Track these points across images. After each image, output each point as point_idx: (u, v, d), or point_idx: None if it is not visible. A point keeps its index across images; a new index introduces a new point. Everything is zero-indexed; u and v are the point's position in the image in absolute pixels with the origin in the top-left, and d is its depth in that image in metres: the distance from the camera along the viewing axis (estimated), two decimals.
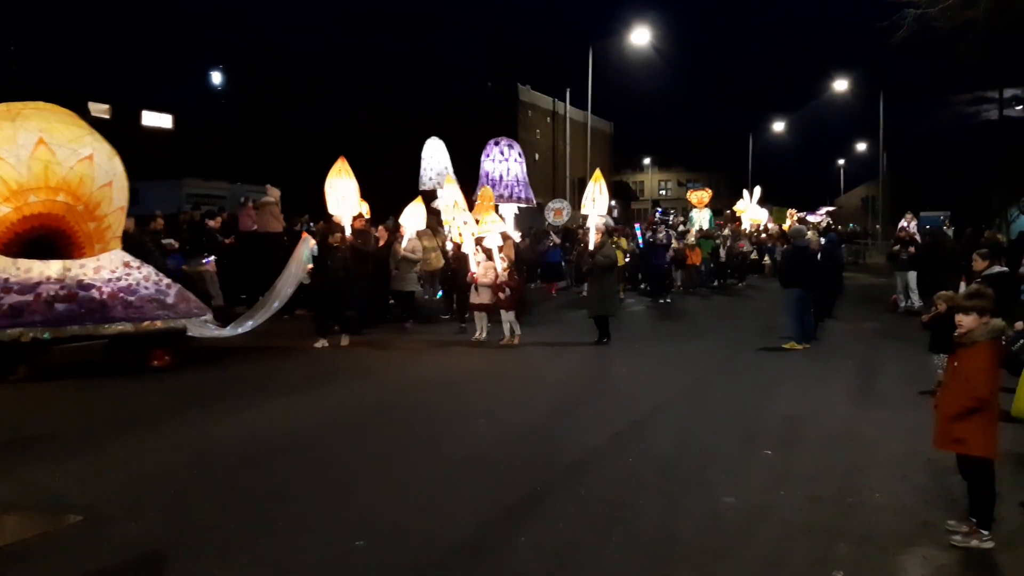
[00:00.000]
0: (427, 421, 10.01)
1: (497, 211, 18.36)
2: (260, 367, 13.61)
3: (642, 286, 27.28)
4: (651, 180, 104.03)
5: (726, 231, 33.03)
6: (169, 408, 10.56)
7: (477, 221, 17.15)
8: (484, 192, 18.38)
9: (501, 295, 16.07)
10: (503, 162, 21.39)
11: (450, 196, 17.66)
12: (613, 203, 70.72)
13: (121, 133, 16.87)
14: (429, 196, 20.52)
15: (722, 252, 30.80)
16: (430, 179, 21.50)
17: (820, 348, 15.81)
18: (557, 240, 28.77)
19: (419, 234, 19.16)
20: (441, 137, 21.67)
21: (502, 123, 46.66)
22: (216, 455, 8.53)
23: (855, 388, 12.24)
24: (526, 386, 12.24)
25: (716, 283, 30.08)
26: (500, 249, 16.40)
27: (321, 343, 15.41)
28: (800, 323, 15.86)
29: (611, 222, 28.16)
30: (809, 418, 10.30)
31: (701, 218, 33.62)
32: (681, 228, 31.64)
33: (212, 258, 18.32)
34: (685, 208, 39.72)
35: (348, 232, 16.80)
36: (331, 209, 16.90)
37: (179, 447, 8.81)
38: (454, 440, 9.16)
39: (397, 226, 19.23)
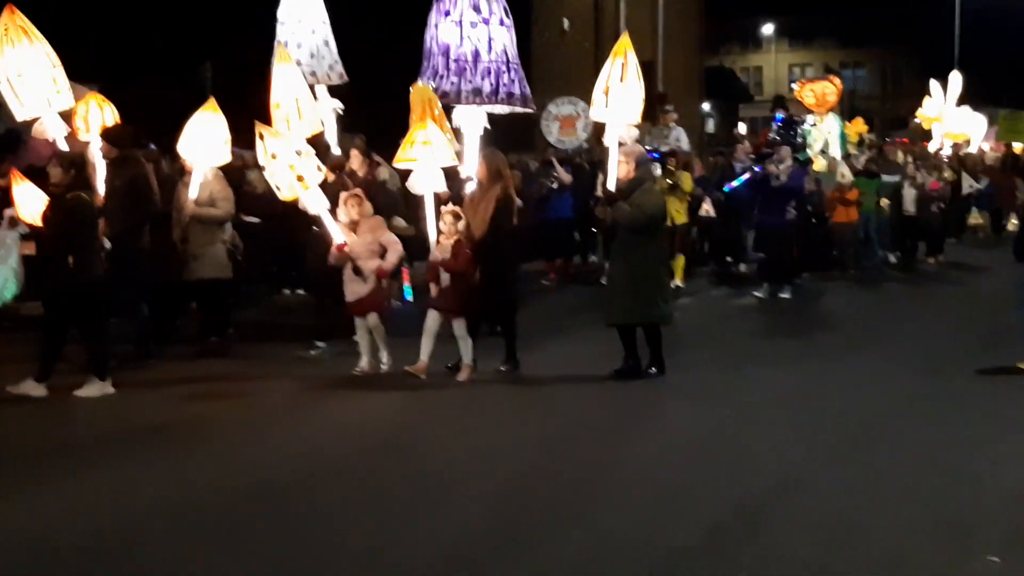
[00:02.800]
0: (366, 511, 5.85)
1: (449, 122, 10.30)
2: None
3: (738, 266, 16.43)
4: (774, 64, 66.14)
5: (908, 162, 18.31)
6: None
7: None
8: (418, 92, 10.01)
9: (434, 285, 8.96)
10: (477, 26, 10.77)
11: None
12: (706, 107, 38.43)
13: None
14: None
15: (909, 202, 17.21)
16: (297, 63, 10.53)
17: None
18: (566, 178, 15.46)
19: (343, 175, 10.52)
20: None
21: None
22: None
23: None
24: (538, 446, 7.30)
25: (892, 258, 17.50)
26: (455, 206, 9.23)
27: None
28: None
29: (675, 140, 16.33)
30: None
31: (826, 133, 17.61)
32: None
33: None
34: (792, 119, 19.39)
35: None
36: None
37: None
38: (412, 542, 5.31)
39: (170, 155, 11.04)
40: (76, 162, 8.66)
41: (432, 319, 8.78)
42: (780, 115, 17.41)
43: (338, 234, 8.92)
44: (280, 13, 10.87)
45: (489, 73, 10.56)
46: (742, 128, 35.35)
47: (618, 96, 9.06)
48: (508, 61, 10.68)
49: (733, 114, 49.89)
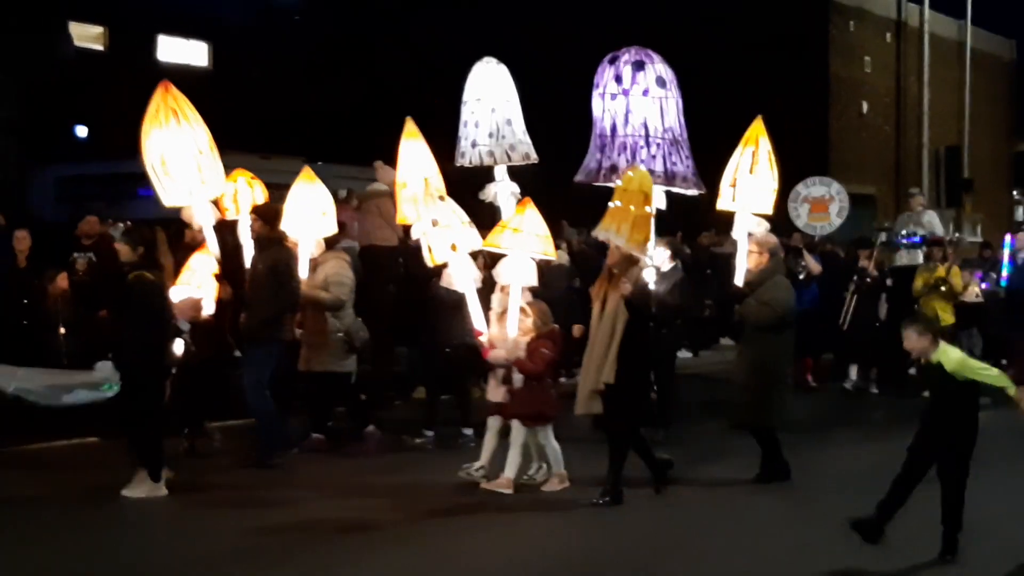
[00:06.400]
0: None
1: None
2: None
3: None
4: None
5: None
6: None
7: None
8: (640, 177, 8.59)
9: (506, 388, 8.43)
10: (617, 98, 9.96)
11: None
12: (1016, 194, 35.16)
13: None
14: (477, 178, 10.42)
15: None
16: (474, 144, 10.36)
17: None
18: (815, 268, 13.95)
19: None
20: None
21: (801, 44, 26.19)
22: None
23: None
24: None
25: None
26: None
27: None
28: None
29: (927, 224, 14.76)
30: None
31: None
32: None
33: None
34: None
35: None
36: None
37: None
38: None
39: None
40: (146, 240, 8.31)
41: (514, 431, 8.18)
42: None
43: (479, 319, 8.59)
44: (465, 93, 10.23)
45: (625, 148, 9.75)
46: None
47: (746, 187, 9.13)
48: (647, 135, 9.69)
49: None
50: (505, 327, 8.33)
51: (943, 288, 12.65)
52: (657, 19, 24.19)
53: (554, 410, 8.29)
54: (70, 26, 25.40)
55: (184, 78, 21.22)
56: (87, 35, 26.12)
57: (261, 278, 8.96)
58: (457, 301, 9.36)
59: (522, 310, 8.30)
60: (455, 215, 8.84)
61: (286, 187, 10.64)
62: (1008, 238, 14.95)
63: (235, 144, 14.33)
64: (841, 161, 24.96)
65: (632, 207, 8.03)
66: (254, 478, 8.63)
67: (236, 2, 26.92)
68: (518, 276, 8.41)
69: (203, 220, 9.25)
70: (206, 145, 9.08)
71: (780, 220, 15.00)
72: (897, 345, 12.41)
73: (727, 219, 9.48)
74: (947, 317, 12.56)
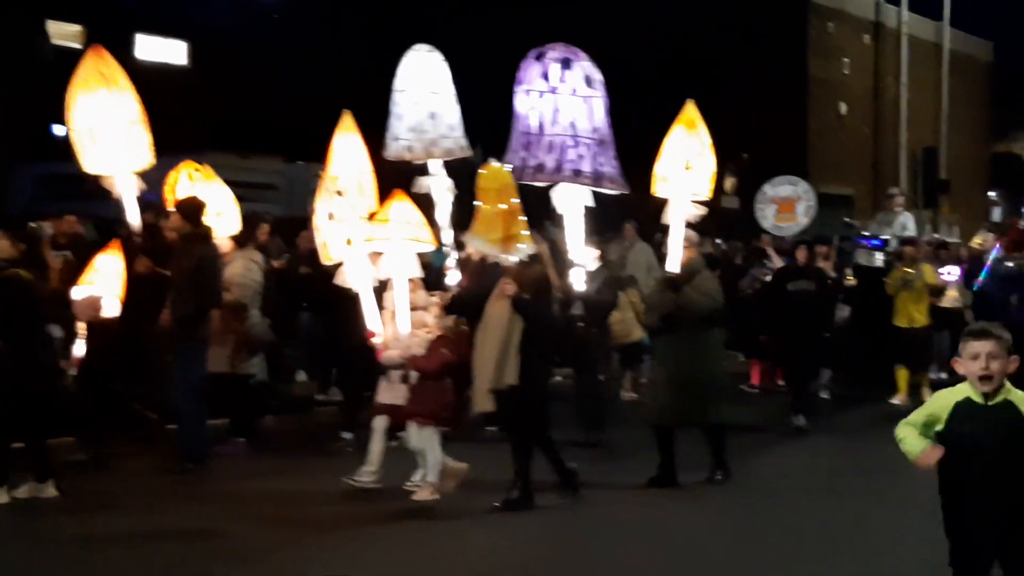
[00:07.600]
0: None
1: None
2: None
3: None
4: None
5: None
6: None
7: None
8: (492, 174, 8.79)
9: (407, 387, 7.84)
10: (546, 95, 9.56)
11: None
12: (993, 195, 35.51)
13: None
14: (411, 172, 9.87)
15: None
16: (396, 138, 9.89)
17: None
18: (773, 265, 12.92)
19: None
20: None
21: (782, 45, 26.32)
22: None
23: None
24: None
25: None
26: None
27: None
28: None
29: (900, 227, 14.28)
30: None
31: None
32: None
33: None
34: None
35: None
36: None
37: None
38: None
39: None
40: (28, 237, 8.30)
41: (413, 432, 7.58)
42: None
43: (372, 318, 8.01)
44: (398, 80, 9.67)
45: (552, 147, 9.36)
46: None
47: (702, 170, 8.84)
48: (576, 135, 9.38)
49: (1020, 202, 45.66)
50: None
51: (910, 270, 11.99)
52: (634, 19, 24.25)
53: (449, 413, 7.75)
54: (47, 24, 25.19)
55: (163, 77, 21.06)
56: (65, 33, 25.88)
57: (185, 275, 8.57)
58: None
59: (440, 306, 8.12)
60: (352, 211, 8.29)
61: (265, 186, 10.40)
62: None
63: (214, 143, 14.07)
64: (819, 162, 25.20)
65: (487, 206, 7.84)
66: (170, 483, 8.38)
67: (215, 1, 26.79)
68: (399, 269, 7.91)
69: (125, 191, 9.00)
70: (136, 115, 8.86)
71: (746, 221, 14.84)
72: (862, 347, 12.12)
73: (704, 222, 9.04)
74: (920, 318, 12.08)
